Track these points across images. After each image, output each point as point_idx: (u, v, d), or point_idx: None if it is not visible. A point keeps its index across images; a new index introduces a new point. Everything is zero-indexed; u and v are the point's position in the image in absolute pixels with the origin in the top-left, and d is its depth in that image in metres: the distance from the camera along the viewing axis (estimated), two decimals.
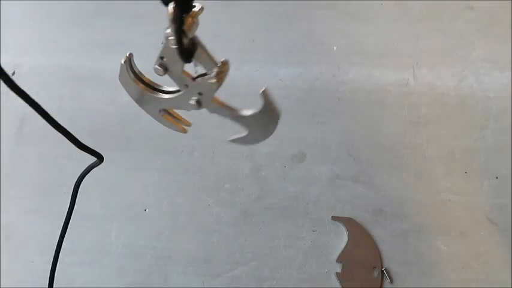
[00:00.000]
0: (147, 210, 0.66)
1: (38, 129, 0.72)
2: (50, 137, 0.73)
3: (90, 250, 0.63)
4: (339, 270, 0.60)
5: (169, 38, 0.31)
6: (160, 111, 0.40)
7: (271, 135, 0.38)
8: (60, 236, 0.57)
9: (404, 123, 0.71)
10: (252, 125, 0.38)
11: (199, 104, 0.35)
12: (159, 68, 0.33)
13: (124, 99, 0.75)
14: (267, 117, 0.36)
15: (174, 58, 0.31)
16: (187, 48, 0.31)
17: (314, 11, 0.84)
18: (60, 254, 0.63)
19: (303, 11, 0.85)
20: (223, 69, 0.34)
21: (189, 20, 0.30)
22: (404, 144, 0.69)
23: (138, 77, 0.38)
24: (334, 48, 0.80)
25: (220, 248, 0.63)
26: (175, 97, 0.36)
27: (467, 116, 0.72)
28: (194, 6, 0.30)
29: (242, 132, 0.40)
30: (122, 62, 0.37)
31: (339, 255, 0.61)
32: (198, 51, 0.32)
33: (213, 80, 0.33)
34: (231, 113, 0.36)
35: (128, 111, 0.74)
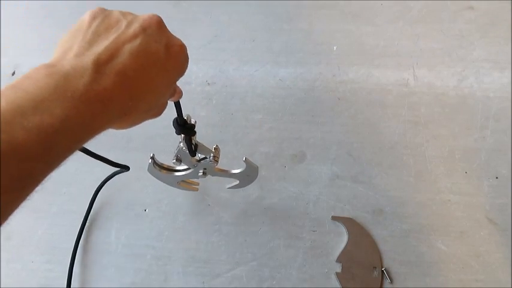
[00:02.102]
0: (147, 210, 0.66)
1: None
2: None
3: (90, 250, 0.63)
4: (339, 270, 0.60)
5: (183, 148, 0.51)
6: (178, 182, 0.60)
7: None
8: (75, 242, 0.64)
9: (404, 123, 0.71)
10: (241, 177, 0.59)
11: (205, 174, 0.56)
12: (177, 161, 0.53)
13: None
14: (250, 171, 0.58)
15: (186, 155, 0.52)
16: (194, 149, 0.51)
17: (314, 11, 0.84)
18: (60, 254, 0.63)
19: (303, 11, 0.85)
20: (216, 154, 0.53)
21: (193, 137, 0.50)
22: (404, 144, 0.69)
23: (161, 167, 0.57)
24: (334, 48, 0.80)
25: (220, 248, 0.63)
26: (188, 173, 0.57)
27: (467, 116, 0.72)
28: (195, 130, 0.49)
29: (235, 182, 0.62)
30: (149, 161, 0.55)
31: (339, 255, 0.61)
32: (199, 147, 0.51)
33: (212, 161, 0.53)
34: (226, 173, 0.57)
35: None
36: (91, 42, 0.31)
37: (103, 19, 0.33)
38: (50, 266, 0.63)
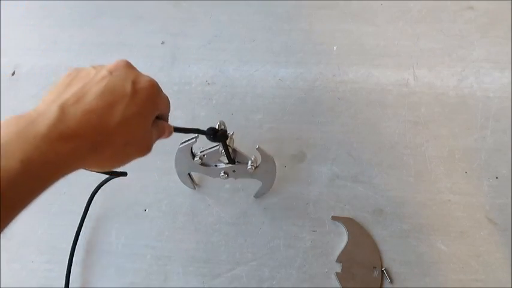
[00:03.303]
0: (147, 210, 0.66)
1: None
2: None
3: (90, 250, 0.63)
4: (339, 270, 0.60)
5: (221, 151, 0.54)
6: (188, 173, 0.62)
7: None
8: (73, 243, 0.63)
9: (404, 123, 0.71)
10: (261, 174, 0.59)
11: (227, 175, 0.58)
12: (199, 159, 0.57)
13: None
14: (266, 164, 0.57)
15: (212, 156, 0.56)
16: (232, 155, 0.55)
17: (314, 11, 0.84)
18: (60, 254, 0.63)
19: (303, 11, 0.85)
20: (254, 163, 0.56)
21: (230, 140, 0.53)
22: (404, 144, 0.69)
23: (193, 154, 0.58)
24: (334, 48, 0.80)
25: (220, 248, 0.63)
26: (211, 169, 0.58)
27: (467, 116, 0.72)
28: (228, 135, 0.51)
29: (258, 186, 0.63)
30: (192, 140, 0.54)
31: (339, 255, 0.61)
32: (238, 153, 0.55)
33: (251, 169, 0.55)
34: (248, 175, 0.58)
35: None
36: (61, 92, 0.33)
37: (76, 74, 0.36)
38: (50, 266, 0.63)
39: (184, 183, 0.65)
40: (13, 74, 0.79)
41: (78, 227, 0.63)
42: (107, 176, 0.49)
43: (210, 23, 0.84)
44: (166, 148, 0.72)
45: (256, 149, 0.53)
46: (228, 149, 0.52)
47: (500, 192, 0.65)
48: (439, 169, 0.67)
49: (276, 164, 0.59)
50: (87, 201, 0.64)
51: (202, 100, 0.75)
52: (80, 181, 0.68)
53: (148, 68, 0.77)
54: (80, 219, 0.64)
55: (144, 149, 0.39)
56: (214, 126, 0.49)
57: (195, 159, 0.55)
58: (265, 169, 0.57)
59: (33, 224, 0.66)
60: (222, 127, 0.50)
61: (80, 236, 0.64)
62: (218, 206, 0.66)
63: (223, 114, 0.73)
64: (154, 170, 0.69)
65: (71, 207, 0.66)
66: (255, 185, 0.64)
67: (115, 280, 0.61)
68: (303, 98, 0.75)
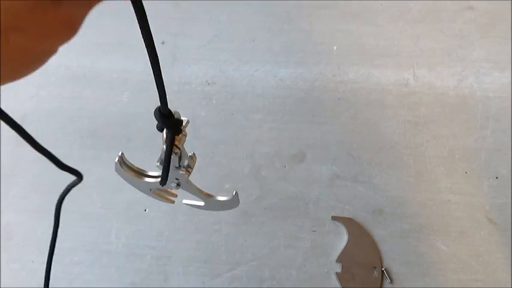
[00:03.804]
0: (147, 210, 0.66)
1: (37, 129, 0.72)
2: (50, 137, 0.73)
3: (90, 250, 0.63)
4: (339, 270, 0.60)
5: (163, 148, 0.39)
6: (150, 189, 0.49)
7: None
8: (48, 258, 0.55)
9: (404, 123, 0.71)
10: (216, 204, 0.49)
11: (178, 185, 0.46)
12: (160, 165, 0.42)
13: (124, 99, 0.76)
14: (230, 205, 0.48)
15: (173, 159, 0.40)
16: (178, 155, 0.40)
17: (314, 11, 0.84)
18: (59, 255, 0.63)
19: (303, 11, 0.85)
20: (191, 163, 0.43)
21: (179, 137, 0.39)
22: (404, 144, 0.69)
23: (129, 168, 0.47)
24: (334, 48, 0.80)
25: (220, 248, 0.63)
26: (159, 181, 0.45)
27: (467, 116, 0.72)
28: (182, 128, 0.38)
29: (197, 201, 0.51)
30: (116, 160, 0.45)
31: (339, 255, 0.61)
32: (182, 154, 0.41)
33: (183, 172, 0.43)
34: (201, 194, 0.48)
35: (127, 111, 0.74)
36: None
37: None
38: None
39: (159, 200, 0.53)
40: None
41: (52, 237, 0.52)
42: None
43: (210, 23, 0.84)
44: None
45: (233, 195, 0.45)
46: (172, 143, 0.38)
47: (500, 192, 0.65)
48: (439, 169, 0.67)
49: (276, 164, 0.58)
50: (55, 210, 0.51)
51: (202, 100, 0.75)
52: None
53: (148, 68, 0.77)
54: (82, 219, 0.63)
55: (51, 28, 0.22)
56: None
57: (157, 163, 0.43)
58: (222, 205, 0.48)
59: (33, 224, 0.66)
60: (182, 118, 0.38)
61: (80, 236, 0.64)
62: None
63: (223, 114, 0.73)
64: (154, 170, 0.69)
65: (71, 207, 0.66)
66: (255, 185, 0.64)
67: (115, 280, 0.61)
68: (303, 98, 0.75)
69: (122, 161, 0.47)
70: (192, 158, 0.43)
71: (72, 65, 0.79)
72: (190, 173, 0.44)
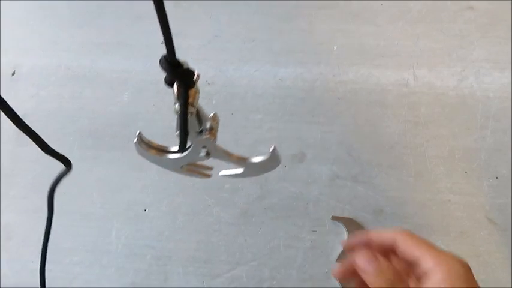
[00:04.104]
0: (147, 210, 0.66)
1: (37, 129, 0.72)
2: (50, 137, 0.73)
3: (90, 250, 0.63)
4: None
5: (178, 110, 0.34)
6: (182, 167, 0.43)
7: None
8: (42, 249, 0.54)
9: (404, 123, 0.71)
10: (254, 167, 0.42)
11: (208, 154, 0.40)
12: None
13: (124, 99, 0.76)
14: (269, 164, 0.42)
15: (191, 124, 0.36)
16: (195, 114, 0.35)
17: (314, 11, 0.84)
18: (60, 254, 0.63)
19: (303, 11, 0.85)
20: (214, 124, 0.38)
21: (192, 92, 0.33)
22: (404, 144, 0.69)
23: (149, 146, 0.42)
24: (334, 48, 0.80)
25: (220, 248, 0.63)
26: (188, 154, 0.39)
27: (467, 116, 0.72)
28: (194, 80, 0.32)
29: (234, 169, 0.44)
30: (134, 141, 0.41)
31: (339, 255, 0.61)
32: (200, 113, 0.36)
33: (207, 136, 0.37)
34: (233, 159, 0.41)
35: (128, 111, 0.74)
36: None
37: None
38: (50, 266, 0.63)
39: (194, 177, 0.47)
40: (13, 74, 0.79)
41: (46, 230, 0.53)
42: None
43: (210, 23, 0.84)
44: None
45: (271, 150, 0.40)
46: (186, 98, 0.32)
47: (500, 192, 0.65)
48: (439, 169, 0.67)
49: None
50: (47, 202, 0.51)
51: (202, 100, 0.74)
52: (80, 181, 0.68)
53: (148, 68, 0.77)
54: (82, 219, 0.62)
55: None
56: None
57: (176, 132, 0.37)
58: (262, 166, 0.42)
59: (33, 224, 0.66)
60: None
61: (80, 236, 0.64)
62: (218, 206, 0.66)
63: (223, 114, 0.73)
64: (154, 170, 0.69)
65: (71, 207, 0.66)
66: (255, 185, 0.64)
67: (115, 280, 0.61)
68: (302, 98, 0.75)
69: (141, 141, 0.42)
70: (214, 118, 0.38)
71: (72, 65, 0.79)
72: (215, 136, 0.38)
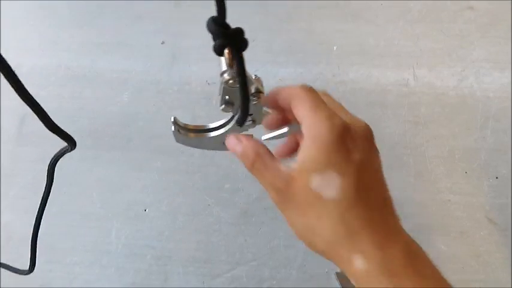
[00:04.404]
0: (147, 210, 0.66)
1: (37, 129, 0.72)
2: (50, 137, 0.73)
3: (90, 250, 0.63)
4: (339, 270, 0.60)
5: (230, 81, 0.31)
6: (223, 142, 0.40)
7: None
8: (38, 214, 0.53)
9: (404, 123, 0.71)
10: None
11: (254, 122, 0.38)
12: (227, 107, 0.35)
13: (124, 99, 0.76)
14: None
15: (236, 95, 0.33)
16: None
17: (314, 11, 0.84)
18: (60, 254, 0.63)
19: (303, 11, 0.85)
20: (260, 87, 0.34)
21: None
22: (404, 144, 0.69)
23: (188, 130, 0.39)
24: (334, 48, 0.80)
25: (220, 248, 0.63)
26: (233, 125, 0.37)
27: (467, 116, 0.72)
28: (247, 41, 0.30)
29: (278, 130, 0.39)
30: (172, 129, 0.37)
31: None
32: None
33: (257, 101, 0.34)
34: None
35: (127, 111, 0.74)
36: None
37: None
38: (50, 266, 0.63)
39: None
40: None
41: (44, 196, 0.52)
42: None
43: None
44: (166, 148, 0.72)
45: None
46: (242, 63, 0.30)
47: (500, 192, 0.65)
48: (439, 169, 0.67)
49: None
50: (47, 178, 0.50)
51: (202, 100, 0.75)
52: (80, 181, 0.68)
53: (148, 68, 0.77)
54: (77, 218, 0.61)
55: None
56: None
57: (221, 107, 0.35)
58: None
59: (33, 224, 0.66)
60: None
61: (80, 236, 0.64)
62: (218, 206, 0.66)
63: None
64: (154, 170, 0.69)
65: (71, 207, 0.66)
66: (255, 185, 0.64)
67: (115, 280, 0.61)
68: None
69: (179, 126, 0.38)
70: (259, 80, 0.34)
71: (72, 65, 0.79)
72: (261, 99, 0.35)
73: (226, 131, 0.38)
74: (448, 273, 0.65)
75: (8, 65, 0.27)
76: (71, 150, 0.39)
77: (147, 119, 0.73)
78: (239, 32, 0.29)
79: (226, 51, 0.30)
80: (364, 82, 0.76)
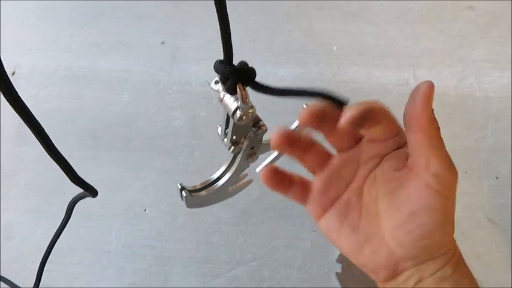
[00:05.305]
0: (147, 210, 0.66)
1: None
2: (49, 136, 0.73)
3: (90, 250, 0.63)
4: (339, 270, 0.60)
5: (243, 117, 0.32)
6: (230, 188, 0.42)
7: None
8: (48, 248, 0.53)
9: None
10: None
11: (255, 154, 0.39)
12: (236, 148, 0.35)
13: (124, 99, 0.76)
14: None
15: (243, 131, 0.33)
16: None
17: (314, 11, 0.84)
18: (60, 254, 0.63)
19: (303, 11, 0.85)
20: (260, 122, 0.35)
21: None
22: None
23: (198, 190, 0.40)
24: (334, 48, 0.80)
25: (220, 248, 0.63)
26: (236, 168, 0.38)
27: (467, 116, 0.72)
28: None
29: (270, 157, 0.39)
30: (183, 195, 0.38)
31: (339, 255, 0.61)
32: None
33: (258, 131, 0.35)
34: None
35: (128, 111, 0.74)
36: None
37: None
38: (50, 266, 0.63)
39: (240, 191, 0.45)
40: (13, 74, 0.79)
41: (55, 236, 0.53)
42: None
43: (210, 23, 0.83)
44: (166, 148, 0.72)
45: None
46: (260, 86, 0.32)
47: (500, 192, 0.65)
48: None
49: (277, 163, 0.55)
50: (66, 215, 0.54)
51: (202, 100, 0.75)
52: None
53: (148, 68, 0.77)
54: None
55: None
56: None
57: (230, 148, 0.36)
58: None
59: (33, 224, 0.66)
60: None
61: (80, 236, 0.64)
62: (218, 206, 0.66)
63: (223, 114, 0.73)
64: (154, 170, 0.69)
65: None
66: (255, 185, 0.64)
67: (115, 280, 0.61)
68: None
69: (188, 191, 0.40)
70: (252, 107, 0.34)
71: (72, 65, 0.79)
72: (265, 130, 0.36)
73: (233, 174, 0.39)
74: None
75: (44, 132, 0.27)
76: (93, 197, 0.39)
77: (147, 119, 0.73)
78: (245, 65, 0.31)
79: (238, 88, 0.30)
80: (364, 82, 0.76)
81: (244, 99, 0.31)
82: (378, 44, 0.80)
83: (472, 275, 0.30)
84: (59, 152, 0.29)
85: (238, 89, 0.30)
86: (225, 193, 0.42)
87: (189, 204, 0.40)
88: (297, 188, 0.33)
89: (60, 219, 0.66)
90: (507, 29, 0.80)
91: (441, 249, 0.28)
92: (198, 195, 0.40)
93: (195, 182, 0.70)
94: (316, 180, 0.32)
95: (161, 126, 0.72)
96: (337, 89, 0.75)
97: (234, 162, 0.39)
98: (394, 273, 0.28)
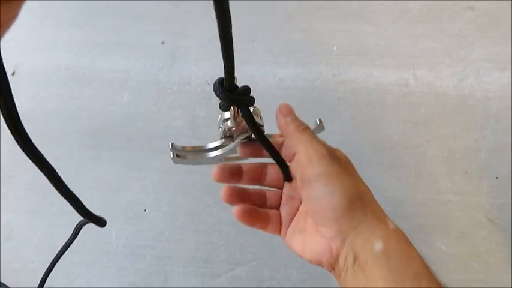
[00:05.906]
0: (147, 210, 0.66)
1: (37, 129, 0.72)
2: (50, 137, 0.73)
3: (90, 250, 0.63)
4: None
5: (233, 128, 0.36)
6: (221, 159, 0.43)
7: None
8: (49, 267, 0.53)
9: (404, 123, 0.71)
10: None
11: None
12: (226, 139, 0.39)
13: (124, 99, 0.76)
14: (317, 132, 0.46)
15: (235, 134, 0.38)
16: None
17: (314, 11, 0.84)
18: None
19: (303, 11, 0.85)
20: (259, 119, 0.38)
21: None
22: (404, 144, 0.69)
23: (188, 152, 0.42)
24: (334, 48, 0.80)
25: (220, 248, 0.63)
26: (231, 147, 0.40)
27: (467, 116, 0.72)
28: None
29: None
30: (171, 154, 0.41)
31: None
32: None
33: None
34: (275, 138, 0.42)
35: (128, 111, 0.74)
36: None
37: None
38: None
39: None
40: (13, 74, 0.79)
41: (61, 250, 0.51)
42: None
43: (210, 23, 0.83)
44: (166, 148, 0.72)
45: (318, 122, 0.43)
46: (252, 120, 0.34)
47: (500, 192, 0.65)
48: (439, 169, 0.67)
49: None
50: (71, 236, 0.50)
51: (202, 100, 0.75)
52: (80, 181, 0.68)
53: (148, 68, 0.77)
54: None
55: None
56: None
57: (222, 140, 0.40)
58: None
59: (33, 224, 0.66)
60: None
61: (80, 236, 0.63)
62: (218, 206, 0.66)
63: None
64: (154, 170, 0.69)
65: (71, 207, 0.66)
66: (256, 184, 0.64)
67: (115, 280, 0.61)
68: (302, 98, 0.75)
69: (176, 155, 0.42)
70: (257, 112, 0.38)
71: (72, 65, 0.79)
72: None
73: (224, 152, 0.41)
74: (448, 273, 0.65)
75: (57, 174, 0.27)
76: (102, 227, 0.40)
77: (147, 119, 0.73)
78: (245, 92, 0.32)
79: (232, 109, 0.33)
80: (364, 82, 0.76)
81: (235, 117, 0.34)
82: (378, 44, 0.80)
83: (413, 252, 0.33)
84: (69, 189, 0.29)
85: (232, 110, 0.33)
86: (213, 161, 0.44)
87: (175, 161, 0.42)
88: (273, 223, 0.39)
89: (60, 219, 0.66)
90: (507, 29, 0.80)
91: (353, 216, 0.32)
92: (184, 158, 0.42)
93: (196, 181, 0.70)
94: (282, 214, 0.39)
95: (161, 126, 0.72)
96: (337, 89, 0.75)
97: (228, 145, 0.40)
98: (332, 256, 0.33)
